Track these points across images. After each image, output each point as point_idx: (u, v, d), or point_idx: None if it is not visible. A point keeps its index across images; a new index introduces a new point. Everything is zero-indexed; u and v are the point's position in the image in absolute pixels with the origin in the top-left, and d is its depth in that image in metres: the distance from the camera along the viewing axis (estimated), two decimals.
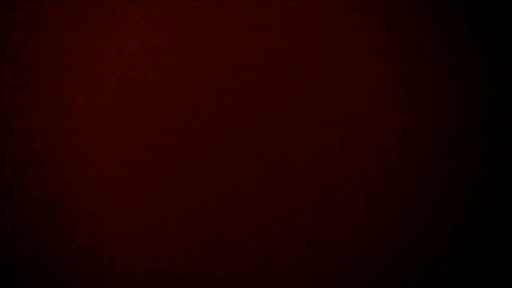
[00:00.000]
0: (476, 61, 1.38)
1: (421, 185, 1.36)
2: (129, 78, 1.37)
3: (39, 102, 1.35)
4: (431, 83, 1.37)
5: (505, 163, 1.37)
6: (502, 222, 1.36)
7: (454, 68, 1.38)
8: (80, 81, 1.36)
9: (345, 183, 1.36)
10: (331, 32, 1.38)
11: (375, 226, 1.35)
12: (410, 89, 1.37)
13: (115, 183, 1.35)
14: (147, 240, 1.35)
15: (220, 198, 1.35)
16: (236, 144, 1.36)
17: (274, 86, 1.36)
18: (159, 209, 1.35)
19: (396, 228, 1.36)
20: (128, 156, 1.36)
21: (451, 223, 1.36)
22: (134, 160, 1.36)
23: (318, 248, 1.35)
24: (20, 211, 1.34)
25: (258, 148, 1.36)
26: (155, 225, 1.35)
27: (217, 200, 1.35)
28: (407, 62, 1.38)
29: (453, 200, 1.36)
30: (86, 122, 1.35)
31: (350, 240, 1.35)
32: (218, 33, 1.38)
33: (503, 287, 1.36)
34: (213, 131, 1.36)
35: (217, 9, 1.38)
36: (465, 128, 1.37)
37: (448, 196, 1.36)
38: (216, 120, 1.36)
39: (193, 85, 1.37)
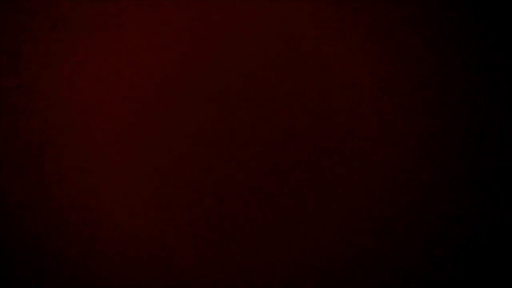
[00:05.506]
0: (473, 56, 1.38)
1: (419, 183, 1.36)
2: (129, 78, 1.37)
3: (39, 101, 1.36)
4: (429, 81, 1.37)
5: (505, 162, 1.37)
6: (502, 221, 1.36)
7: (451, 67, 1.38)
8: (80, 81, 1.37)
9: (345, 182, 1.36)
10: (330, 32, 1.38)
11: (374, 225, 1.36)
12: (408, 88, 1.37)
13: (116, 183, 1.35)
14: (147, 240, 1.35)
15: (221, 197, 1.36)
16: (234, 144, 1.36)
17: (274, 86, 1.37)
18: (160, 208, 1.36)
19: (394, 226, 1.36)
20: (130, 154, 1.36)
21: (451, 223, 1.36)
22: (135, 159, 1.36)
23: (318, 246, 1.35)
24: (20, 211, 1.35)
25: (258, 146, 1.36)
26: (155, 224, 1.35)
27: (217, 199, 1.36)
28: (406, 60, 1.38)
29: (453, 200, 1.36)
30: (87, 122, 1.36)
31: (349, 239, 1.36)
32: (218, 33, 1.38)
33: (503, 287, 1.36)
34: (214, 128, 1.36)
35: (218, 10, 1.38)
36: (464, 126, 1.37)
37: (448, 195, 1.36)
38: (217, 117, 1.37)
39: (192, 84, 1.37)
